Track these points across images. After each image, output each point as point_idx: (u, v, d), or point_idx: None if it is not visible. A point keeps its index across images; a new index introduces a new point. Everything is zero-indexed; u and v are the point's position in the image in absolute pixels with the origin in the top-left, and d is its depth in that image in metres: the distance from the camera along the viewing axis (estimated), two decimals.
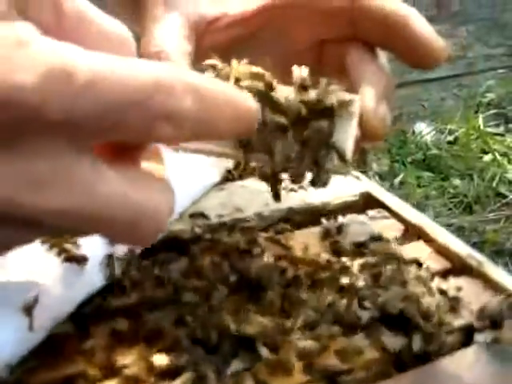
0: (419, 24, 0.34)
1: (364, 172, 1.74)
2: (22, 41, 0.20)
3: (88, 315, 0.34)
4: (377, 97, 0.33)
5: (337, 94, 0.31)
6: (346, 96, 0.31)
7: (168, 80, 0.22)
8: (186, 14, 0.37)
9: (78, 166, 0.21)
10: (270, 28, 0.38)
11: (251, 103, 0.26)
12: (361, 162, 0.35)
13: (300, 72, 0.32)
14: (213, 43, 0.38)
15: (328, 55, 0.37)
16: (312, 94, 0.30)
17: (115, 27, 0.26)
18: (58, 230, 0.23)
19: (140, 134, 0.22)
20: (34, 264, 0.34)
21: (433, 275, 0.37)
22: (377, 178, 1.72)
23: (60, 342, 0.32)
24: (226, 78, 0.31)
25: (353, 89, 0.33)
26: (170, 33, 0.35)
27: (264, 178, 0.33)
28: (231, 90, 0.25)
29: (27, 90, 0.19)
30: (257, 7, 0.37)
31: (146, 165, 0.26)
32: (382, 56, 0.36)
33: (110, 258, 0.37)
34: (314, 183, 0.34)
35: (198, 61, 0.36)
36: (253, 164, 0.34)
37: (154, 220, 0.23)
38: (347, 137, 0.31)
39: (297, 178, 0.34)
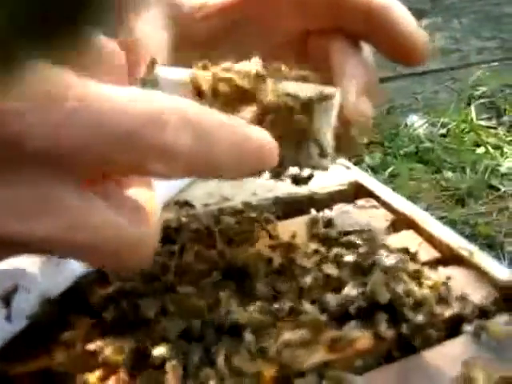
0: (402, 19, 0.33)
1: (356, 164, 1.73)
2: None
3: (69, 305, 0.33)
4: (358, 90, 0.32)
5: (315, 88, 0.30)
6: (326, 90, 0.30)
7: (162, 113, 0.21)
8: (165, 4, 0.36)
9: (63, 194, 0.20)
10: (253, 19, 0.37)
11: (263, 136, 0.25)
12: (349, 152, 0.34)
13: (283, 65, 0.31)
14: (194, 33, 0.37)
15: (312, 47, 0.36)
16: (290, 88, 0.29)
17: (109, 46, 0.24)
18: (44, 252, 0.23)
19: (128, 169, 0.22)
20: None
21: (422, 265, 0.37)
22: (369, 170, 1.71)
23: (40, 333, 0.32)
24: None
25: (335, 82, 0.32)
26: (149, 24, 0.34)
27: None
28: (239, 124, 0.24)
29: (8, 115, 0.18)
30: None
31: (134, 191, 0.25)
32: (366, 49, 0.35)
33: None
34: (296, 181, 0.33)
35: (179, 51, 0.35)
36: None
37: (140, 249, 0.23)
38: (326, 131, 0.30)
39: (277, 176, 0.34)
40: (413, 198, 1.61)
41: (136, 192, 0.24)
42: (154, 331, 0.31)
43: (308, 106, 0.29)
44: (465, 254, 0.38)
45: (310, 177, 0.33)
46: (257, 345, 0.30)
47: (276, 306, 0.33)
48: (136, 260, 0.23)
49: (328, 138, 0.30)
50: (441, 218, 1.53)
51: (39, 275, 0.33)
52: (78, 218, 0.21)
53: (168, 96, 0.22)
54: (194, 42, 0.37)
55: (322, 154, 0.30)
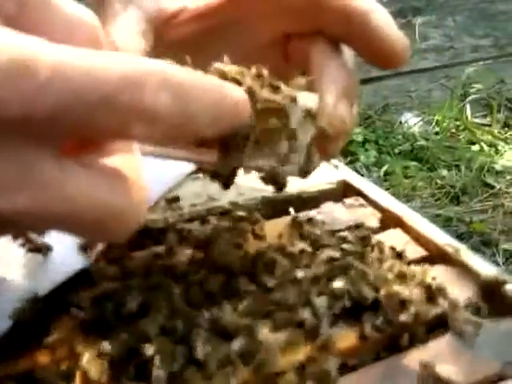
0: (381, 22, 0.32)
1: (351, 163, 1.73)
2: None
3: (53, 306, 0.33)
4: (336, 95, 0.31)
5: (289, 93, 0.29)
6: (303, 94, 0.29)
7: (140, 74, 0.20)
8: (144, 9, 0.35)
9: (43, 165, 0.20)
10: (233, 22, 0.36)
11: (239, 94, 0.24)
12: (327, 157, 0.34)
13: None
14: (174, 38, 0.36)
15: (293, 50, 0.36)
16: (264, 94, 0.29)
17: (83, 14, 0.24)
18: (26, 227, 0.23)
19: (109, 133, 0.21)
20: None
21: (409, 263, 0.37)
22: (364, 169, 1.71)
23: (23, 334, 0.31)
24: None
25: (315, 85, 0.32)
26: (125, 29, 0.34)
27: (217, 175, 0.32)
28: (215, 82, 0.23)
29: None
30: (217, 1, 0.36)
31: (118, 158, 0.24)
32: (347, 52, 0.35)
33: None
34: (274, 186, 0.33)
35: (158, 56, 0.35)
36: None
37: (124, 219, 0.22)
38: (304, 137, 0.30)
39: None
40: (408, 195, 1.61)
41: (120, 161, 0.24)
42: (137, 330, 0.31)
43: (281, 112, 0.29)
44: (451, 251, 0.37)
45: (285, 182, 0.33)
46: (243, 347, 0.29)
47: (262, 305, 0.32)
48: (119, 231, 0.22)
49: (305, 144, 0.30)
50: (436, 216, 1.53)
51: (23, 276, 0.33)
52: (57, 188, 0.20)
53: (145, 58, 0.21)
54: (172, 46, 0.36)
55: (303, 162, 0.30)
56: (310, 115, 0.30)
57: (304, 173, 0.31)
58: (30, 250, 0.35)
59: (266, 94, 0.29)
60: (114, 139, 0.23)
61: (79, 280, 0.35)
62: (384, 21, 0.32)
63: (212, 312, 0.31)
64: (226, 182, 0.32)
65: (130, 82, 0.20)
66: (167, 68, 0.21)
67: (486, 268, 0.36)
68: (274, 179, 0.31)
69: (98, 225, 0.22)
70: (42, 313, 0.32)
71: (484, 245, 1.43)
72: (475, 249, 1.36)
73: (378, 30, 0.32)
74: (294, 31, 0.36)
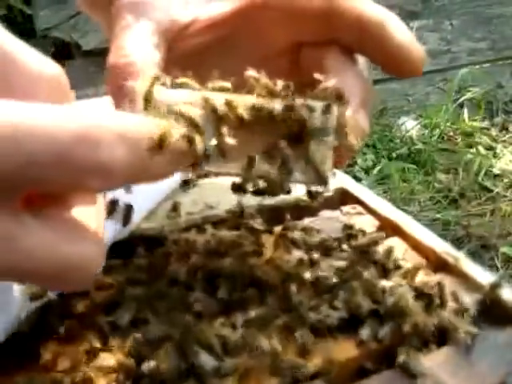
0: (397, 30, 0.32)
1: (349, 166, 1.73)
2: None
3: (46, 318, 0.33)
4: (355, 105, 0.31)
5: (310, 103, 0.30)
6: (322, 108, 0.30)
7: (94, 131, 0.20)
8: (156, 21, 0.35)
9: None
10: (245, 31, 0.36)
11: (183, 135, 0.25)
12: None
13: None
14: (186, 48, 0.36)
15: (305, 59, 0.36)
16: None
17: (47, 67, 0.24)
18: None
19: (66, 187, 0.21)
20: None
21: (408, 272, 0.36)
22: (362, 172, 1.71)
23: (16, 348, 0.31)
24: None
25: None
26: (140, 42, 0.34)
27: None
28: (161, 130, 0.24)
29: None
30: (229, 11, 0.36)
31: (77, 208, 0.24)
32: (361, 61, 0.35)
33: None
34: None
35: (170, 67, 0.34)
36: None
37: (81, 272, 0.22)
38: (325, 148, 0.30)
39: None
40: (405, 199, 1.61)
41: (79, 210, 0.24)
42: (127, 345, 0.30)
43: (304, 125, 0.29)
44: (450, 259, 0.37)
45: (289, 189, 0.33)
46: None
47: (260, 314, 0.32)
48: (79, 280, 0.22)
49: (327, 154, 0.30)
50: (434, 220, 1.53)
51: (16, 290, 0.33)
52: (13, 241, 0.20)
53: (98, 111, 0.21)
54: (184, 56, 0.36)
55: (318, 171, 0.30)
56: (328, 124, 0.30)
57: (324, 182, 0.31)
58: None
59: (285, 104, 0.29)
60: (72, 192, 0.23)
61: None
62: (399, 29, 0.32)
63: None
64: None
65: (85, 138, 0.20)
66: (120, 120, 0.22)
67: (485, 277, 0.36)
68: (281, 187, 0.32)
69: (56, 276, 0.22)
70: (36, 323, 0.32)
71: (483, 249, 1.43)
72: (474, 252, 1.35)
73: (394, 38, 0.32)
74: (306, 40, 0.36)
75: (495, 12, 2.33)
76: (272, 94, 0.30)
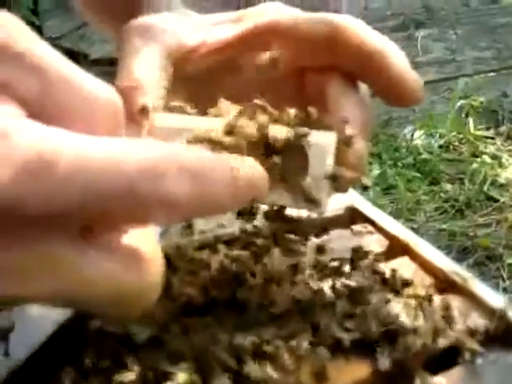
0: (396, 60, 0.33)
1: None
2: (2, 133, 0.19)
3: (65, 339, 0.33)
4: (355, 131, 0.32)
5: (304, 131, 0.30)
6: (321, 136, 0.30)
7: (158, 163, 0.21)
8: (164, 44, 0.36)
9: (62, 252, 0.20)
10: (251, 55, 0.37)
11: (251, 164, 0.25)
12: (344, 189, 0.35)
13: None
14: (193, 70, 0.37)
15: (309, 83, 0.37)
16: (283, 134, 0.30)
17: (101, 91, 0.24)
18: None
19: (129, 221, 0.22)
20: None
21: (417, 292, 0.37)
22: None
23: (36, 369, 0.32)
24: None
25: (332, 121, 0.32)
26: (148, 65, 0.35)
27: None
28: (226, 160, 0.24)
29: (5, 184, 0.18)
30: (236, 35, 0.37)
31: (133, 233, 0.24)
32: (363, 87, 0.35)
33: None
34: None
35: (176, 90, 0.35)
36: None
37: (141, 297, 0.23)
38: (321, 174, 0.30)
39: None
40: (411, 209, 1.61)
41: (135, 236, 0.24)
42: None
43: (301, 149, 0.30)
44: (459, 280, 0.38)
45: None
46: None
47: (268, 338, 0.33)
48: (136, 308, 0.23)
49: (321, 182, 0.31)
50: (440, 231, 1.54)
51: (36, 310, 0.34)
52: (75, 273, 0.21)
53: (161, 143, 0.22)
54: (190, 78, 0.37)
55: (310, 199, 0.31)
56: (326, 152, 0.30)
57: (316, 207, 0.31)
58: None
59: (281, 131, 0.29)
60: (132, 224, 0.24)
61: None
62: (398, 59, 0.33)
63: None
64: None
65: (149, 170, 0.20)
66: (183, 152, 0.22)
67: (494, 298, 0.36)
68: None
69: (116, 305, 0.22)
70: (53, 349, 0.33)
71: (489, 259, 1.43)
72: (480, 263, 1.36)
73: (393, 68, 0.33)
74: (309, 65, 0.36)
75: (500, 21, 2.35)
76: (276, 121, 0.31)
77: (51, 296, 0.21)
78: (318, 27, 0.35)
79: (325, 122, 0.31)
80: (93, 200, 0.20)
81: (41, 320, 0.33)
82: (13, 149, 0.18)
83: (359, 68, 0.34)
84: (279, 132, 0.30)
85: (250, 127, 0.30)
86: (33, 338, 0.32)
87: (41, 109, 0.21)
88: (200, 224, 0.45)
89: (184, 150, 0.23)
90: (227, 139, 0.29)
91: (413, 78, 0.33)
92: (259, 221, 0.44)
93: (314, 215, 0.33)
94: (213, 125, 0.30)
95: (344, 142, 0.31)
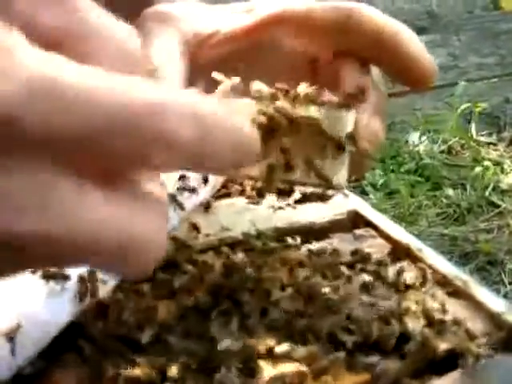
0: (411, 43, 0.34)
1: (357, 181, 1.74)
2: (4, 48, 0.18)
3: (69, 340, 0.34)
4: (369, 113, 0.33)
5: (327, 112, 0.31)
6: (340, 112, 0.31)
7: (164, 102, 0.20)
8: (180, 31, 0.37)
9: (61, 187, 0.19)
10: (265, 44, 0.38)
11: (252, 133, 0.24)
12: (360, 172, 0.36)
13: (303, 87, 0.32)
14: (208, 59, 0.38)
15: (323, 70, 0.38)
16: (303, 112, 0.31)
17: (127, 36, 0.23)
18: (42, 258, 0.21)
19: (129, 159, 0.21)
20: (17, 288, 0.34)
21: (419, 296, 0.37)
22: (370, 187, 1.72)
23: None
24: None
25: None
26: (163, 51, 0.35)
27: None
28: (234, 118, 0.23)
29: (5, 99, 0.17)
30: (249, 24, 0.37)
31: (142, 184, 0.23)
32: (376, 71, 0.36)
33: (91, 275, 0.36)
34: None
35: (191, 77, 0.36)
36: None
37: (146, 248, 0.21)
38: (340, 157, 0.31)
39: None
40: (413, 214, 1.61)
41: (145, 188, 0.23)
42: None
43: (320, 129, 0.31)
44: (461, 285, 0.38)
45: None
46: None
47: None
48: (144, 258, 0.21)
49: (343, 157, 0.32)
50: (441, 235, 1.54)
51: (43, 309, 0.34)
52: (74, 211, 0.19)
53: (171, 86, 0.22)
54: (205, 66, 0.38)
55: (324, 177, 0.32)
56: (347, 132, 0.31)
57: (328, 185, 0.32)
58: (46, 277, 0.36)
59: (304, 112, 0.30)
60: (135, 165, 0.22)
61: (95, 312, 0.36)
62: (413, 42, 0.34)
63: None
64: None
65: (154, 107, 0.20)
66: (193, 99, 0.22)
67: (495, 302, 0.36)
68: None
69: (118, 253, 0.21)
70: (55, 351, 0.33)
71: (490, 265, 1.44)
72: (481, 269, 1.36)
73: (407, 50, 0.34)
74: (323, 52, 0.37)
75: (502, 27, 2.35)
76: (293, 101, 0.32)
77: (44, 236, 0.19)
78: (332, 13, 0.36)
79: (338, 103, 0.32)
80: (95, 130, 0.19)
81: (47, 321, 0.33)
82: (16, 64, 0.18)
83: (374, 52, 0.35)
84: (296, 112, 0.31)
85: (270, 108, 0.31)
86: (39, 339, 0.33)
87: (63, 38, 0.21)
88: (205, 227, 0.45)
89: (196, 96, 0.22)
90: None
91: (428, 60, 0.34)
92: (262, 224, 0.45)
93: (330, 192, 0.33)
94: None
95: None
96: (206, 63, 0.38)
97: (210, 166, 0.23)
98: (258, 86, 0.33)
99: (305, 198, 0.48)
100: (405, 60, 0.34)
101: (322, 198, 0.43)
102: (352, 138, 0.32)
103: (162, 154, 0.21)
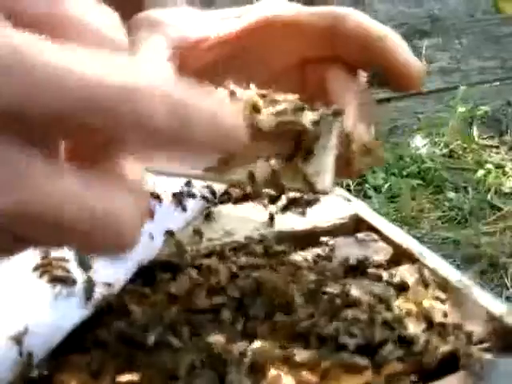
0: (397, 47, 0.34)
1: (359, 185, 1.74)
2: None
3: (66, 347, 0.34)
4: (354, 117, 0.33)
5: (313, 116, 0.31)
6: (325, 117, 0.32)
7: (139, 85, 0.20)
8: (169, 37, 0.37)
9: (32, 167, 0.19)
10: (254, 48, 0.39)
11: (238, 121, 0.24)
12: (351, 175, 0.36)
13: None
14: (197, 64, 0.38)
15: (311, 75, 0.38)
16: (289, 117, 0.31)
17: (107, 22, 0.23)
18: (27, 236, 0.21)
19: (103, 139, 0.21)
20: (24, 291, 0.35)
21: (420, 300, 0.38)
22: (372, 190, 1.72)
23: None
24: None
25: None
26: (151, 56, 0.36)
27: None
28: (215, 103, 0.23)
29: None
30: (238, 29, 0.38)
31: (122, 166, 0.23)
32: (363, 75, 0.37)
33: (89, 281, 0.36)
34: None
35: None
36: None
37: (115, 228, 0.21)
38: (326, 159, 0.31)
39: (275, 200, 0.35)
40: (415, 218, 1.62)
41: (124, 169, 0.23)
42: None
43: (311, 129, 0.31)
44: (463, 288, 0.38)
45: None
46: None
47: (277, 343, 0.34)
48: (113, 238, 0.21)
49: (328, 165, 0.32)
50: (444, 239, 1.54)
51: (50, 313, 0.34)
52: (41, 185, 0.19)
53: (150, 67, 0.22)
54: (194, 71, 0.38)
55: (310, 181, 0.32)
56: (331, 134, 0.32)
57: (323, 191, 0.32)
58: (53, 280, 0.36)
59: (290, 116, 0.31)
60: (107, 146, 0.23)
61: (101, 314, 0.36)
62: (400, 46, 0.34)
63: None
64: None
65: (129, 90, 0.20)
66: (169, 82, 0.21)
67: (494, 305, 0.37)
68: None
69: (85, 231, 0.20)
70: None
71: (492, 268, 1.44)
72: (484, 272, 1.36)
73: (395, 55, 0.34)
74: (310, 56, 0.38)
75: (504, 31, 2.35)
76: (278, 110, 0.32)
77: (14, 210, 0.19)
78: (319, 19, 0.36)
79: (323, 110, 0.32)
80: (70, 109, 0.19)
81: (54, 324, 0.34)
82: None
83: (361, 57, 0.35)
84: (282, 116, 0.31)
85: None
86: (46, 342, 0.33)
87: (42, 25, 0.21)
88: (207, 233, 0.46)
89: (171, 80, 0.22)
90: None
91: (414, 63, 0.34)
92: (265, 228, 0.45)
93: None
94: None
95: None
96: (195, 68, 0.38)
97: (188, 149, 0.23)
98: (232, 87, 0.33)
99: (290, 203, 0.48)
100: (391, 64, 0.34)
101: (307, 203, 0.43)
102: (338, 141, 0.32)
103: (137, 137, 0.21)
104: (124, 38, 0.24)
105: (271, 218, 0.46)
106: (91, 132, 0.20)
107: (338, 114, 0.32)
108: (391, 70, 0.34)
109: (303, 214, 0.47)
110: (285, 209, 0.47)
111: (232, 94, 0.32)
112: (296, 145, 0.32)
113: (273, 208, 0.47)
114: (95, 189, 0.21)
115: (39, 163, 0.19)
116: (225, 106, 0.24)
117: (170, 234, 0.41)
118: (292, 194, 0.47)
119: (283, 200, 0.47)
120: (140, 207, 0.22)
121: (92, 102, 0.19)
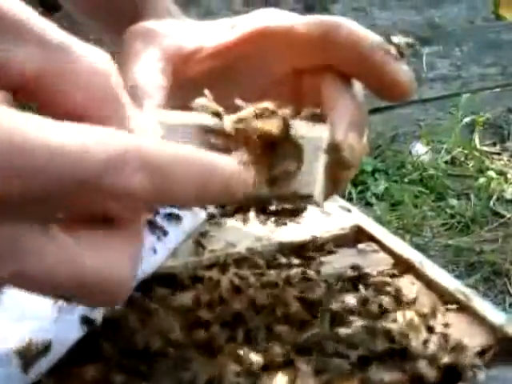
0: (388, 56, 0.35)
1: (361, 192, 1.74)
2: None
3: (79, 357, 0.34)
4: (346, 126, 0.33)
5: (301, 128, 0.31)
6: (313, 130, 0.32)
7: (120, 157, 0.21)
8: (163, 48, 0.38)
9: (29, 237, 0.21)
10: (247, 59, 0.39)
11: (232, 167, 0.24)
12: (336, 189, 0.36)
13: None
14: (192, 74, 0.39)
15: (305, 85, 0.38)
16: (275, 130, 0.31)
17: (97, 62, 0.24)
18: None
19: (90, 213, 0.22)
20: (28, 306, 0.35)
21: (421, 311, 0.38)
22: (374, 198, 1.72)
23: None
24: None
25: (326, 118, 0.34)
26: (147, 67, 0.36)
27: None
28: (203, 157, 0.23)
29: None
30: (233, 39, 0.38)
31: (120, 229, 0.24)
32: (357, 85, 0.37)
33: None
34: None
35: (174, 93, 0.37)
36: None
37: (109, 291, 0.22)
38: (313, 170, 0.31)
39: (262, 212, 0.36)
40: (417, 225, 1.62)
41: (120, 231, 0.23)
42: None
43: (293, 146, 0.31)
44: (463, 299, 0.39)
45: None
46: None
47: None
48: (105, 298, 0.23)
49: (316, 176, 0.31)
50: (446, 246, 1.54)
51: (54, 326, 0.35)
52: (40, 254, 0.21)
53: (125, 135, 0.22)
54: (189, 82, 0.38)
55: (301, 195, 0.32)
56: (321, 146, 0.32)
57: (316, 203, 0.32)
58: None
59: (276, 127, 0.31)
60: (95, 217, 0.23)
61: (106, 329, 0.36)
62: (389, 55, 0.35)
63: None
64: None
65: (109, 164, 0.21)
66: (146, 146, 0.22)
67: (495, 314, 0.37)
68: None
69: (80, 292, 0.22)
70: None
71: (495, 275, 1.44)
72: (486, 279, 1.36)
73: (386, 65, 0.34)
74: (304, 66, 0.38)
75: (504, 38, 2.36)
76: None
77: (10, 277, 0.21)
78: (312, 28, 0.36)
79: (318, 117, 0.32)
80: (54, 191, 0.20)
81: (58, 338, 0.34)
82: None
83: (353, 66, 0.35)
84: (273, 128, 0.31)
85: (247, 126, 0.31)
86: (49, 356, 0.33)
87: (40, 76, 0.22)
88: (210, 243, 0.46)
89: (151, 142, 0.23)
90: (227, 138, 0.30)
91: (405, 73, 0.34)
92: (266, 239, 0.46)
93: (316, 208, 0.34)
94: (208, 121, 0.31)
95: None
96: (190, 79, 0.39)
97: (174, 203, 0.25)
98: (201, 101, 0.32)
99: (277, 214, 0.47)
100: (383, 73, 0.35)
101: (294, 212, 0.43)
102: (328, 150, 0.32)
103: (118, 205, 0.22)
104: (120, 79, 0.25)
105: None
106: (73, 210, 0.22)
107: (317, 118, 0.32)
108: (383, 80, 0.35)
109: (286, 225, 0.46)
110: (267, 219, 0.47)
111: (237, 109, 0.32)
112: (267, 151, 0.31)
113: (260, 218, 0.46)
114: (87, 251, 0.22)
115: (35, 233, 0.21)
116: (215, 157, 0.24)
117: None
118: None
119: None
120: (133, 258, 0.23)
121: (75, 181, 0.20)
